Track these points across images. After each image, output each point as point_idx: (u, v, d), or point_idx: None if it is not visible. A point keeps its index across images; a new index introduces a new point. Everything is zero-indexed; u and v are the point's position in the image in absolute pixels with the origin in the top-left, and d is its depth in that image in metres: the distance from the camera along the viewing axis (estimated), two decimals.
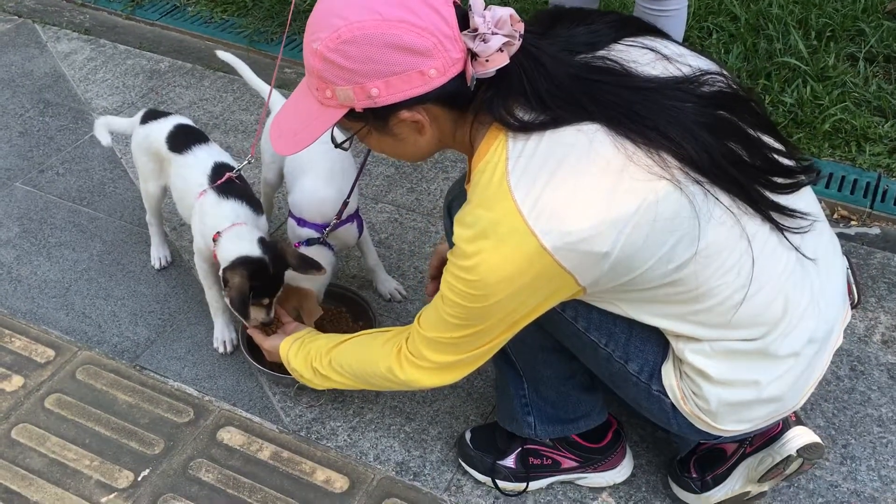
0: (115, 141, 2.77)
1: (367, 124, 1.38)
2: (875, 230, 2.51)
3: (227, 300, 1.90)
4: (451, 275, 1.37)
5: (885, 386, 2.02)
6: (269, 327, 2.00)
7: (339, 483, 1.88)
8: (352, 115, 1.35)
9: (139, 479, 1.91)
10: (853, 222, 2.55)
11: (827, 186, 2.64)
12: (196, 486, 1.89)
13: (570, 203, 1.27)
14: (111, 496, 1.88)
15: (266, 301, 1.91)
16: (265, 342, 1.93)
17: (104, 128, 2.36)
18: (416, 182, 2.69)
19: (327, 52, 1.28)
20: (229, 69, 3.24)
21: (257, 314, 1.92)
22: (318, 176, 2.10)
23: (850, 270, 1.65)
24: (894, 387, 2.02)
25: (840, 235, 2.47)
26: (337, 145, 1.50)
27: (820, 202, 2.57)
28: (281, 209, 2.57)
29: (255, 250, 1.89)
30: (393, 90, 1.29)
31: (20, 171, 2.80)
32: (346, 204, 2.05)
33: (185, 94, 3.12)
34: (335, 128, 1.43)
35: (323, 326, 2.11)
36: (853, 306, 1.64)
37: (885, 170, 2.69)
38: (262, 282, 1.87)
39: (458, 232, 1.34)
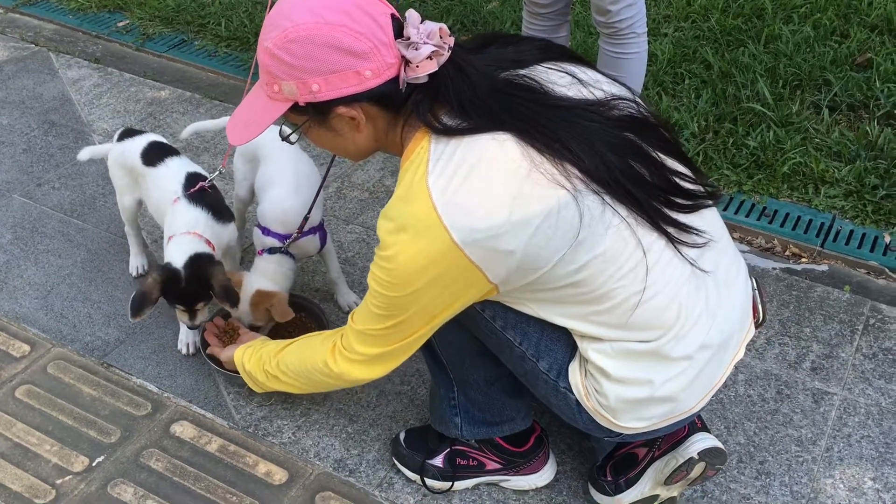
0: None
1: (309, 118, 1.52)
2: (823, 267, 2.60)
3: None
4: (374, 265, 1.50)
5: (809, 409, 2.10)
6: (227, 337, 2.17)
7: (279, 476, 1.99)
8: (296, 109, 1.49)
9: (93, 464, 2.03)
10: (803, 259, 2.64)
11: (782, 225, 2.74)
12: (145, 473, 2.01)
13: (480, 203, 1.40)
14: (66, 478, 2.00)
15: (183, 308, 2.08)
16: (222, 353, 2.09)
17: (88, 153, 2.56)
18: None
19: (275, 50, 1.43)
20: (225, 98, 3.45)
21: (181, 316, 2.12)
22: (284, 187, 2.24)
23: (756, 291, 1.75)
24: (817, 411, 2.10)
25: (786, 270, 2.57)
26: (284, 138, 1.64)
27: (773, 239, 2.70)
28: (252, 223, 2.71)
29: (179, 262, 2.04)
30: (331, 87, 1.43)
31: (19, 184, 2.98)
32: (306, 219, 2.19)
33: (180, 120, 3.30)
34: (284, 124, 1.58)
35: (287, 331, 2.24)
36: (758, 325, 1.74)
37: (840, 211, 2.79)
38: (174, 291, 2.03)
39: (381, 224, 1.47)
